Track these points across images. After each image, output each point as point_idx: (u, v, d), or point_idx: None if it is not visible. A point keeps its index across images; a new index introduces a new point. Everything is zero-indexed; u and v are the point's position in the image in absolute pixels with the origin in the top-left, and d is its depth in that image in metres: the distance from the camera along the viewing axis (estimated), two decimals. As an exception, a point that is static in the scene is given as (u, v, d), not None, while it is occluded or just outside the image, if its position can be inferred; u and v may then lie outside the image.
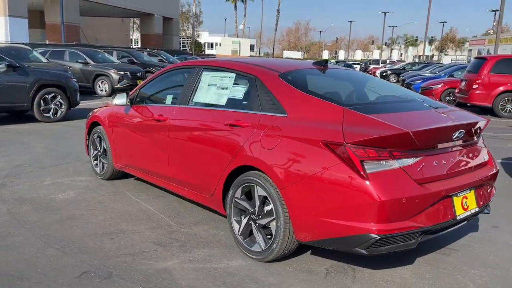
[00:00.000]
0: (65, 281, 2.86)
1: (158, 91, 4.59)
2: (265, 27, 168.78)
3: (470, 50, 49.92)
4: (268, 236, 3.11)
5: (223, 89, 3.71)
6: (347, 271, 3.08)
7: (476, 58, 14.38)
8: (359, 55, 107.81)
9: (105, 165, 5.08)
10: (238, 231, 3.31)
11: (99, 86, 15.02)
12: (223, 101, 3.64)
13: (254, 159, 3.10)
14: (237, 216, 3.34)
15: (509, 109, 12.75)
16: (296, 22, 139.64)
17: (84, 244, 3.43)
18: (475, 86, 12.95)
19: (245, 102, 3.49)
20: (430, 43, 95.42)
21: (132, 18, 48.99)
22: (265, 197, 3.09)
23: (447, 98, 15.61)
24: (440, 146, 2.92)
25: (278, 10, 68.12)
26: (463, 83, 13.71)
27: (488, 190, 3.30)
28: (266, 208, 3.11)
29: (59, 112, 9.28)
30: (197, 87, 3.93)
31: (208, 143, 3.56)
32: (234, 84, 3.64)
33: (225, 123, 3.43)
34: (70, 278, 2.90)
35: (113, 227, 3.81)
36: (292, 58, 46.17)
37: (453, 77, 17.62)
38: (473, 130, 3.16)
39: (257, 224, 3.17)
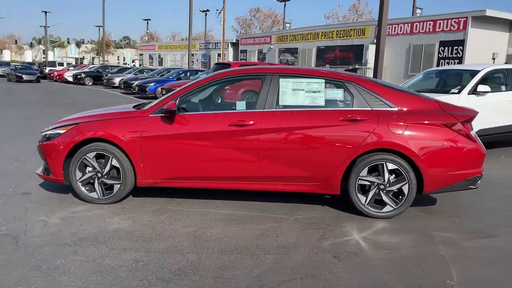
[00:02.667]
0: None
1: (216, 98, 4.56)
2: None
3: (141, 54, 54.63)
4: (396, 199, 4.27)
5: (314, 92, 4.43)
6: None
7: (217, 64, 17.25)
8: (7, 55, 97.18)
9: (117, 186, 4.47)
10: (366, 202, 4.27)
11: None
12: (320, 102, 4.38)
13: (388, 143, 4.16)
14: (360, 191, 4.27)
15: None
16: None
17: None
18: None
19: (347, 101, 4.39)
20: (78, 45, 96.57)
21: None
22: (393, 170, 4.22)
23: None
24: None
25: None
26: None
27: None
28: (391, 178, 4.23)
29: None
30: (279, 92, 4.41)
31: (324, 138, 4.25)
32: (327, 88, 4.43)
33: (341, 119, 4.25)
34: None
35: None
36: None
37: (181, 80, 20.19)
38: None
39: (385, 192, 4.25)
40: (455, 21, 17.68)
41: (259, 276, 3.05)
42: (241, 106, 4.53)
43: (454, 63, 17.47)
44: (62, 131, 4.58)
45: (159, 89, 19.73)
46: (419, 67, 18.95)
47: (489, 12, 16.84)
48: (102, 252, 3.39)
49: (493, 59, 17.76)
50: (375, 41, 20.83)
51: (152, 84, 20.47)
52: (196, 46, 40.53)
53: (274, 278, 3.02)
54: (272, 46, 29.64)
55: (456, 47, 17.51)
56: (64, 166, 4.52)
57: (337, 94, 4.45)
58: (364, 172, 4.25)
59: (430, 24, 18.61)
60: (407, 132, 4.18)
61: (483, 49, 17.40)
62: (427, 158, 4.16)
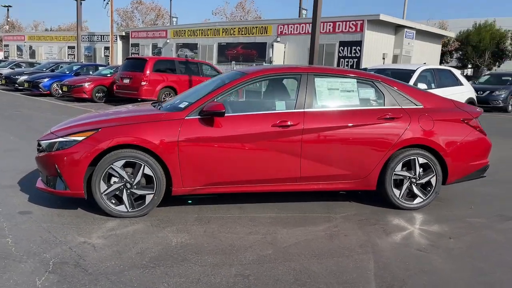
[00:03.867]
0: None
1: (252, 99, 4.37)
2: None
3: (6, 45, 48.61)
4: (424, 191, 4.62)
5: (348, 91, 4.55)
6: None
7: (128, 58, 16.29)
8: None
9: (149, 196, 4.07)
10: (400, 195, 4.55)
11: None
12: (355, 101, 4.53)
13: (423, 139, 4.47)
14: (395, 185, 4.53)
15: (168, 101, 15.58)
16: None
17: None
18: (143, 83, 14.98)
19: (379, 100, 4.59)
20: None
21: None
22: (423, 164, 4.55)
23: (97, 94, 16.62)
24: None
25: None
26: (126, 81, 15.36)
27: None
28: (421, 171, 4.57)
29: None
30: (316, 91, 4.43)
31: (364, 136, 4.40)
32: (359, 87, 4.58)
33: (378, 118, 4.45)
34: None
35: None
36: None
37: (80, 75, 18.63)
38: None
39: (416, 184, 4.58)
40: (353, 23, 19.30)
41: (392, 273, 3.09)
42: (280, 106, 4.44)
43: (353, 62, 19.11)
44: (79, 138, 3.99)
45: (55, 85, 17.97)
46: (321, 65, 20.27)
47: (382, 17, 18.76)
48: (196, 270, 3.09)
49: (383, 58, 19.83)
50: (278, 39, 21.73)
51: (46, 79, 18.48)
52: (72, 38, 37.36)
53: (412, 274, 3.09)
54: (168, 41, 28.82)
55: (355, 47, 19.14)
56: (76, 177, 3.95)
57: (369, 93, 4.63)
58: (399, 167, 4.51)
59: (330, 25, 20.00)
60: (434, 129, 4.54)
61: (376, 50, 19.32)
62: (451, 151, 4.58)
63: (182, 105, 4.36)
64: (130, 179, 4.04)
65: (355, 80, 4.64)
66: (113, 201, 4.08)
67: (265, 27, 22.84)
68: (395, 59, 20.50)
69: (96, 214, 4.11)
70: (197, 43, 26.62)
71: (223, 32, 24.94)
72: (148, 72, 15.03)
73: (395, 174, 4.51)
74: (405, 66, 10.26)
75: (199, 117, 4.15)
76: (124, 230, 3.79)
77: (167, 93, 15.42)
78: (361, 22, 18.77)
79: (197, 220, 4.10)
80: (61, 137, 4.06)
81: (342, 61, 19.65)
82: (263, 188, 4.36)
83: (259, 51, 22.99)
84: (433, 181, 4.60)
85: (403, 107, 4.57)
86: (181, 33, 27.90)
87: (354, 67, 19.12)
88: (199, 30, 26.52)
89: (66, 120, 4.91)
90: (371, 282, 3.00)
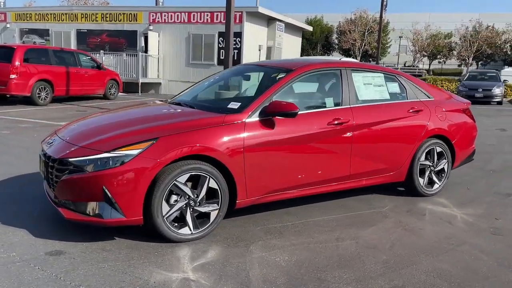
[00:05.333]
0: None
1: (302, 96, 4.04)
2: None
3: None
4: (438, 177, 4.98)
5: (379, 86, 4.60)
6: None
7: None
8: None
9: (213, 213, 3.54)
10: (423, 183, 4.82)
11: None
12: (386, 96, 4.62)
13: (441, 130, 4.79)
14: (419, 174, 4.78)
15: (44, 97, 13.52)
16: None
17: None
18: (12, 76, 12.72)
19: (403, 94, 4.75)
20: None
21: None
22: (439, 152, 4.90)
23: None
24: None
25: None
26: (-9, 74, 12.82)
27: None
28: (436, 159, 4.92)
29: None
30: (354, 86, 4.38)
31: (400, 129, 4.53)
32: (386, 82, 4.66)
33: (407, 111, 4.62)
34: None
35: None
36: None
37: None
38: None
39: (434, 172, 4.91)
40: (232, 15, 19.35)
41: None
42: (330, 102, 4.24)
43: (234, 54, 19.23)
44: (134, 152, 3.21)
45: None
46: (200, 56, 19.87)
47: (260, 9, 19.22)
48: (349, 289, 2.80)
49: (259, 50, 20.44)
50: (151, 27, 20.51)
51: None
52: None
53: None
54: (8, 25, 24.62)
55: (235, 39, 19.23)
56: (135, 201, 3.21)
57: (395, 87, 4.76)
58: (423, 157, 4.77)
59: (208, 15, 19.67)
60: (447, 119, 4.92)
61: (253, 41, 19.75)
62: (458, 139, 5.02)
63: (233, 106, 3.84)
64: (193, 196, 3.42)
65: (383, 74, 4.72)
66: (176, 224, 3.41)
67: (134, 14, 21.30)
68: (269, 51, 21.32)
69: (149, 242, 3.39)
70: (48, 29, 23.38)
71: (82, 17, 22.43)
72: (17, 63, 12.75)
73: (420, 164, 4.75)
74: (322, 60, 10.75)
75: (259, 118, 3.71)
76: (209, 257, 3.20)
77: (42, 88, 13.32)
78: (240, 13, 18.96)
79: (268, 233, 3.70)
80: (106, 151, 3.20)
81: (222, 52, 19.59)
82: (318, 190, 4.16)
83: (128, 40, 21.36)
84: (445, 167, 4.99)
85: (420, 99, 4.83)
86: (25, 16, 24.12)
87: (235, 58, 19.29)
88: (51, 14, 23.31)
89: (69, 126, 3.91)
90: None
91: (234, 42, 19.35)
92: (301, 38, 26.51)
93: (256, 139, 3.64)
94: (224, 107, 3.88)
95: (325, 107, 4.21)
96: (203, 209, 3.48)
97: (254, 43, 19.86)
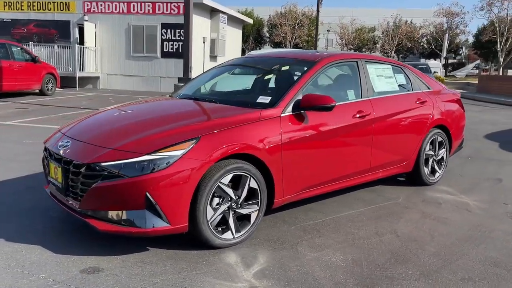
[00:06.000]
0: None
1: (325, 89, 3.90)
2: None
3: None
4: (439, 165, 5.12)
5: (389, 77, 4.61)
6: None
7: None
8: None
9: (254, 214, 3.32)
10: (427, 172, 4.93)
11: None
12: (396, 87, 4.63)
13: (441, 120, 4.91)
14: (424, 163, 4.88)
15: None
16: None
17: None
18: None
19: (409, 85, 4.79)
20: None
21: None
22: (440, 142, 5.03)
23: None
24: None
25: None
26: None
27: None
28: (437, 149, 5.05)
29: None
30: (370, 78, 4.34)
31: (411, 120, 4.57)
32: (394, 73, 4.67)
33: (416, 101, 4.68)
34: None
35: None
36: None
37: None
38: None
39: (435, 161, 5.03)
40: (175, 5, 18.60)
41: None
42: (352, 95, 4.15)
43: (178, 46, 18.59)
44: (177, 152, 2.90)
45: None
46: (142, 49, 18.94)
47: (205, 0, 18.72)
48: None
49: (203, 42, 19.98)
50: (86, 18, 19.20)
51: None
52: None
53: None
54: None
55: (179, 30, 18.56)
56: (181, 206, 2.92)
57: (402, 79, 4.79)
58: (427, 147, 4.87)
59: (149, 6, 18.72)
60: (445, 109, 5.06)
61: (198, 33, 19.22)
62: (454, 128, 5.20)
63: (263, 100, 3.61)
64: (235, 197, 3.18)
65: (391, 66, 4.72)
66: (219, 229, 3.14)
67: (66, 3, 19.71)
68: (213, 43, 20.89)
69: (187, 250, 3.11)
70: (-39, 18, 21.05)
71: (5, 5, 20.42)
72: None
73: (425, 153, 4.84)
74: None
75: (292, 113, 3.54)
76: (263, 262, 2.99)
77: None
78: (183, 4, 18.34)
79: (305, 232, 3.55)
80: (147, 153, 2.85)
81: (166, 44, 18.83)
82: (344, 184, 4.08)
83: (60, 31, 19.78)
84: (444, 156, 5.14)
85: (422, 90, 4.92)
86: None
87: (180, 50, 18.64)
88: (-33, 1, 20.98)
89: (79, 125, 3.46)
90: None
91: (179, 34, 18.77)
92: (241, 31, 26.35)
93: (291, 134, 3.47)
94: (253, 102, 3.65)
95: (347, 99, 4.11)
96: (244, 211, 3.24)
97: (199, 35, 19.34)
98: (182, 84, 10.80)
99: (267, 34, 56.02)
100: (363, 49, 55.27)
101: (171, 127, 3.15)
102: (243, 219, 3.28)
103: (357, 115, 3.99)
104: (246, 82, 4.54)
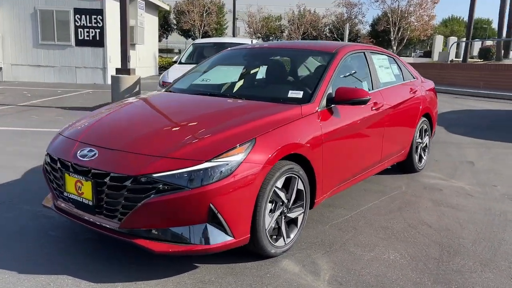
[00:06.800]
0: None
1: (344, 80, 3.76)
2: None
3: None
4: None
5: (387, 68, 4.62)
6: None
7: None
8: None
9: (300, 217, 3.13)
10: (417, 160, 5.08)
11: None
12: (393, 78, 4.67)
13: (427, 108, 5.07)
14: (415, 150, 5.02)
15: None
16: None
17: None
18: None
19: (401, 76, 4.85)
20: None
21: None
22: (425, 129, 5.20)
23: None
24: None
25: None
26: None
27: None
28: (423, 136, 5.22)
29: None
30: (375, 69, 4.31)
31: (410, 110, 4.66)
32: (390, 64, 4.70)
33: (410, 91, 4.77)
34: None
35: None
36: None
37: None
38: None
39: (420, 146, 5.18)
40: (89, -11, 17.11)
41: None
42: (365, 86, 4.05)
43: (95, 33, 17.17)
44: (238, 157, 2.58)
45: None
46: (53, 36, 17.13)
47: (123, -16, 17.44)
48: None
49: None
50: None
51: None
52: None
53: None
54: None
55: (95, 16, 17.07)
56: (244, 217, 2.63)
57: (396, 69, 4.83)
58: (418, 135, 5.00)
59: (58, -11, 16.99)
60: (428, 99, 5.24)
61: (116, 20, 17.94)
62: (434, 116, 5.42)
63: (296, 95, 3.37)
64: (286, 201, 2.95)
65: (386, 56, 4.74)
66: (274, 236, 2.89)
67: (-45, -17, 17.08)
68: (132, 31, 19.62)
69: (237, 263, 2.83)
70: None
71: None
72: None
73: (416, 141, 4.98)
74: (242, 41, 10.38)
75: (326, 107, 3.37)
76: (326, 268, 2.81)
77: None
78: (99, -12, 16.94)
79: (342, 231, 3.42)
80: (207, 160, 2.49)
81: (81, 31, 17.24)
82: (363, 176, 4.02)
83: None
84: (427, 143, 5.34)
85: (411, 80, 5.03)
86: None
87: (98, 38, 17.23)
88: None
89: (95, 128, 2.94)
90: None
91: (95, 21, 17.38)
92: (157, 18, 25.20)
93: (328, 128, 3.29)
94: (284, 97, 3.40)
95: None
96: (293, 214, 3.02)
97: (117, 22, 18.07)
98: (124, 75, 9.98)
99: (174, 21, 54.44)
100: (271, 38, 56.31)
101: (220, 129, 2.79)
102: (290, 223, 3.05)
103: (374, 107, 3.93)
104: (257, 75, 4.22)
